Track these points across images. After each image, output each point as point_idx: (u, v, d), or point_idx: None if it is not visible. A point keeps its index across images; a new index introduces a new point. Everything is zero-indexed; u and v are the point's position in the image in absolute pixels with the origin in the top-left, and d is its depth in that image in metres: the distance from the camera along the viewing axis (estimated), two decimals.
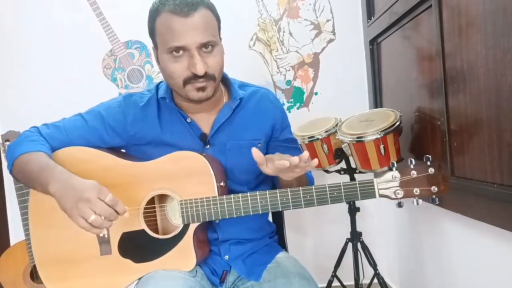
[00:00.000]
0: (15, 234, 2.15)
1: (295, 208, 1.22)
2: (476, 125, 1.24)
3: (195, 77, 1.04)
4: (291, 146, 1.26)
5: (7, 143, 1.97)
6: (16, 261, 1.92)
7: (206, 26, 1.03)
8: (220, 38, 1.11)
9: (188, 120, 1.15)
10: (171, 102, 1.15)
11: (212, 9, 1.07)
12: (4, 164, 2.20)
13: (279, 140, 1.24)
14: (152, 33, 1.09)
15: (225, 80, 1.21)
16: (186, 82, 1.06)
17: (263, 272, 1.13)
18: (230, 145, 1.16)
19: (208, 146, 1.16)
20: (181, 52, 1.03)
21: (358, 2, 2.24)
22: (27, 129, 1.17)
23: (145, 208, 1.10)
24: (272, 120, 1.21)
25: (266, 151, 1.23)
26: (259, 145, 1.19)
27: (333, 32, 2.28)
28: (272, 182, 1.31)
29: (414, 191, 0.99)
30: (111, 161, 1.13)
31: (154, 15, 1.06)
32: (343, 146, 1.73)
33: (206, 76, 1.05)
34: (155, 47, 1.11)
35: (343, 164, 1.85)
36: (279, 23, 2.27)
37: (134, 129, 1.16)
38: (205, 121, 1.17)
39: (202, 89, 1.06)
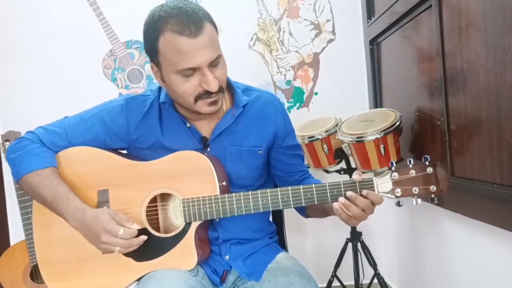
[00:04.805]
0: (15, 234, 2.16)
1: (296, 206, 1.22)
2: (476, 125, 1.24)
3: (207, 93, 1.04)
4: (294, 153, 1.25)
5: (7, 143, 1.97)
6: (16, 261, 1.92)
7: (213, 42, 1.01)
8: None
9: (188, 124, 1.15)
10: (171, 108, 1.15)
11: (211, 20, 1.03)
12: (4, 164, 2.20)
13: (282, 147, 1.22)
14: (153, 52, 1.04)
15: (226, 85, 1.18)
16: (197, 99, 1.05)
17: (263, 272, 1.13)
18: (230, 150, 1.16)
19: (208, 150, 1.16)
20: (191, 71, 1.02)
21: (358, 2, 2.24)
22: (26, 135, 1.15)
23: (147, 207, 1.10)
24: (274, 126, 1.19)
25: (267, 157, 1.23)
26: (260, 152, 1.18)
27: (333, 32, 2.28)
28: (273, 185, 1.31)
29: (413, 190, 1.00)
30: (114, 161, 1.14)
31: (155, 33, 1.00)
32: (343, 146, 1.74)
33: (217, 90, 1.04)
34: (157, 66, 1.06)
35: (343, 164, 1.85)
36: (279, 23, 2.28)
37: (137, 134, 1.16)
38: (204, 127, 1.17)
39: (214, 103, 1.06)
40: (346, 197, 1.00)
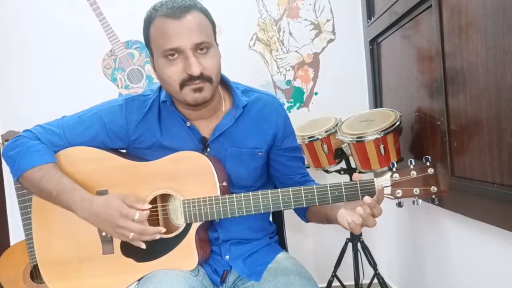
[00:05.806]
0: (15, 234, 2.16)
1: (297, 211, 1.22)
2: (476, 125, 1.24)
3: (191, 78, 1.02)
4: (293, 155, 1.23)
5: (7, 143, 1.97)
6: (16, 261, 1.92)
7: (200, 27, 1.02)
8: (217, 44, 1.09)
9: (188, 124, 1.15)
10: (172, 106, 1.14)
11: (205, 13, 1.05)
12: (4, 164, 2.20)
13: (281, 149, 1.21)
14: (147, 41, 1.08)
15: (226, 86, 1.18)
16: (182, 85, 1.04)
17: (263, 272, 1.13)
18: (230, 151, 1.16)
19: (208, 150, 1.15)
20: (176, 55, 1.01)
21: (358, 2, 2.25)
22: (23, 133, 1.13)
23: None
24: (274, 128, 1.18)
25: (267, 159, 1.22)
26: (260, 154, 1.18)
27: (333, 32, 2.28)
28: (273, 186, 1.30)
29: (414, 191, 0.99)
30: (114, 161, 1.13)
31: (148, 23, 1.05)
32: (343, 146, 1.74)
33: (202, 77, 1.02)
34: (151, 54, 1.09)
35: (343, 164, 1.85)
36: (279, 23, 2.28)
37: (136, 135, 1.15)
38: (204, 127, 1.16)
39: (198, 90, 1.04)
40: (362, 206, 0.99)
